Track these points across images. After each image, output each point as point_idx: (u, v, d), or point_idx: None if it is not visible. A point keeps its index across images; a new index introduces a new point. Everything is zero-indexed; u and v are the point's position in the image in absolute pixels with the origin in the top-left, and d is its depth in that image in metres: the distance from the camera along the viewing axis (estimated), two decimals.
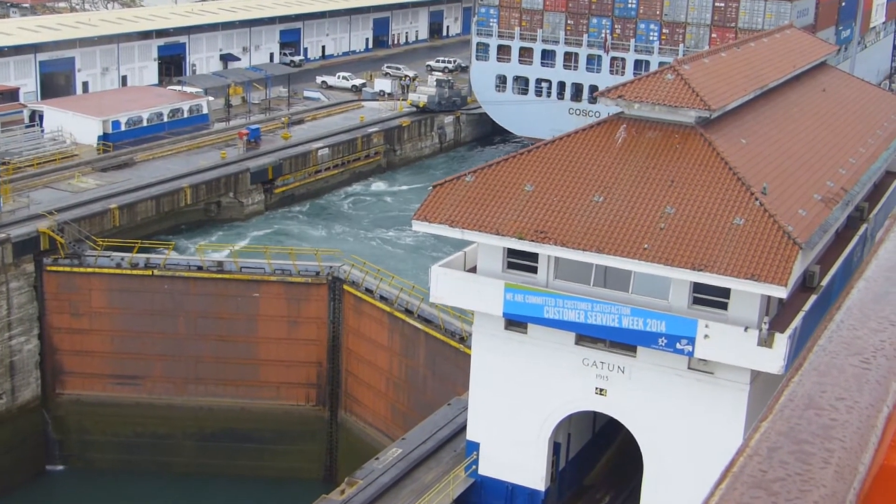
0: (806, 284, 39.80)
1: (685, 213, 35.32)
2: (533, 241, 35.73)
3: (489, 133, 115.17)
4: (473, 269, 39.70)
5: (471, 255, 40.45)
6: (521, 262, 38.08)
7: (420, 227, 37.84)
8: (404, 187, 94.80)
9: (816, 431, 3.14)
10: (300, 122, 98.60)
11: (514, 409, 40.01)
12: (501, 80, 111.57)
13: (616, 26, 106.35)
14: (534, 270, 38.04)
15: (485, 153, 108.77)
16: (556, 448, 41.27)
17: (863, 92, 55.70)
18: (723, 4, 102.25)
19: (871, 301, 4.03)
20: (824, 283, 39.59)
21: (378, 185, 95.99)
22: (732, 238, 34.23)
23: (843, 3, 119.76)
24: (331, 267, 64.05)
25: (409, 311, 59.12)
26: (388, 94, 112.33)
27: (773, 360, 34.14)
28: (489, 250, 38.21)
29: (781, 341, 33.99)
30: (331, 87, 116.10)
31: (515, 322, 38.90)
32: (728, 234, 34.36)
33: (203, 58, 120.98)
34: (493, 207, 37.05)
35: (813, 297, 37.83)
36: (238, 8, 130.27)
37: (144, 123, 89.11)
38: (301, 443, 64.65)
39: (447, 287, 38.81)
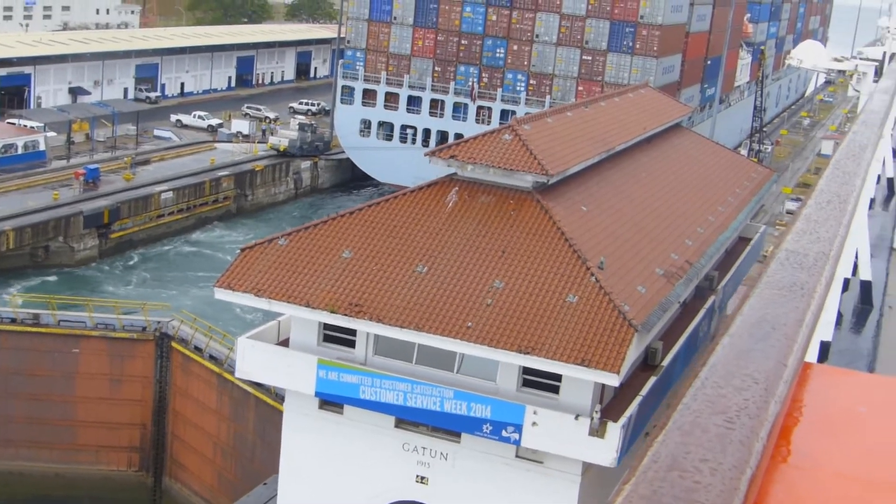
0: (647, 362, 37.10)
1: (515, 287, 32.14)
2: (346, 314, 32.12)
3: (349, 179, 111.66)
4: (287, 341, 35.89)
5: (285, 326, 36.63)
6: (338, 335, 34.45)
7: (222, 295, 33.90)
8: (252, 235, 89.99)
9: (679, 495, 3.14)
10: (146, 162, 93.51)
11: (328, 497, 36.13)
12: (366, 124, 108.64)
13: (483, 75, 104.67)
14: (352, 345, 34.46)
15: (343, 200, 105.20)
16: None
17: (716, 156, 53.76)
18: (590, 58, 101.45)
19: (734, 358, 4.16)
20: (666, 361, 36.87)
21: (224, 233, 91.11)
22: (564, 317, 31.15)
23: (709, 62, 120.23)
24: (158, 322, 60.02)
25: None
26: (245, 136, 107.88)
27: (604, 451, 31.17)
28: (303, 322, 34.47)
29: (614, 431, 31.04)
30: (186, 126, 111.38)
31: (330, 401, 35.15)
32: (560, 313, 31.26)
33: (50, 90, 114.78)
34: (306, 275, 33.37)
35: (652, 379, 35.01)
36: (91, 39, 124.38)
37: None
38: None
39: (255, 361, 34.94)
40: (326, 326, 34.35)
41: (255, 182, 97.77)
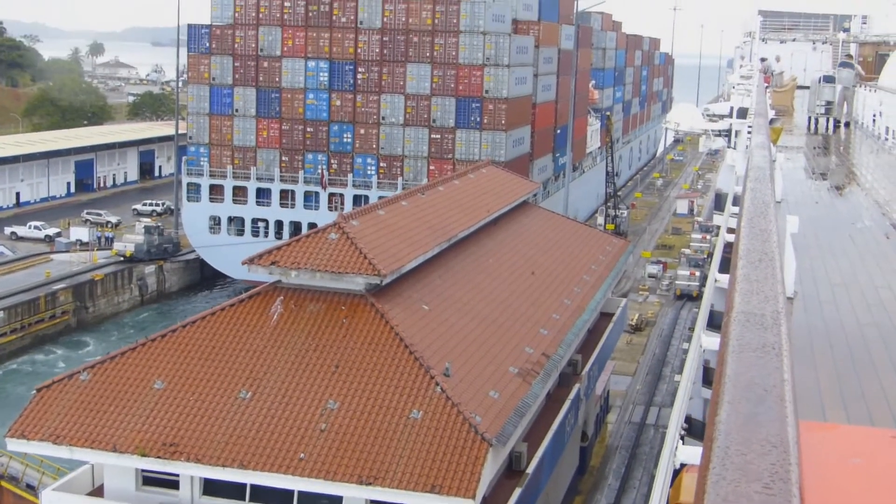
0: (512, 468, 33.71)
1: (352, 407, 28.49)
2: (160, 457, 27.96)
3: (199, 280, 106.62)
4: (102, 489, 31.43)
5: (99, 471, 32.15)
6: (159, 476, 30.18)
7: (16, 446, 29.42)
8: (94, 349, 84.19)
9: None
10: None
11: None
12: (215, 221, 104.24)
13: (332, 161, 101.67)
14: (176, 486, 30.23)
15: (194, 303, 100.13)
16: None
17: (568, 231, 51.21)
18: (438, 136, 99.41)
19: (742, 423, 4.34)
20: (532, 467, 33.52)
21: (63, 351, 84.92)
22: (409, 437, 27.58)
23: (559, 131, 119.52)
24: None
25: None
26: (84, 244, 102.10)
27: None
28: (115, 467, 30.10)
29: None
30: (21, 239, 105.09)
31: None
32: (404, 433, 27.69)
33: None
34: (113, 414, 29.14)
35: (518, 491, 31.60)
36: None
37: None
38: None
39: None
40: (145, 469, 30.11)
41: (96, 292, 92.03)
